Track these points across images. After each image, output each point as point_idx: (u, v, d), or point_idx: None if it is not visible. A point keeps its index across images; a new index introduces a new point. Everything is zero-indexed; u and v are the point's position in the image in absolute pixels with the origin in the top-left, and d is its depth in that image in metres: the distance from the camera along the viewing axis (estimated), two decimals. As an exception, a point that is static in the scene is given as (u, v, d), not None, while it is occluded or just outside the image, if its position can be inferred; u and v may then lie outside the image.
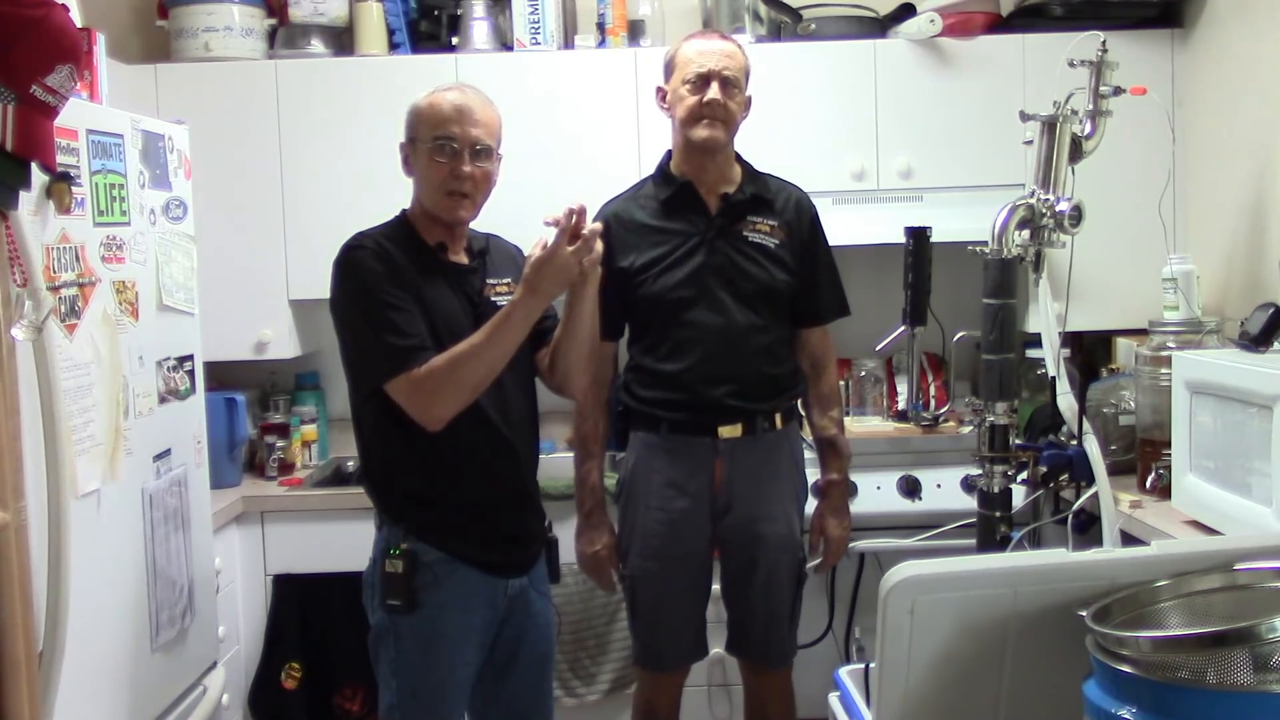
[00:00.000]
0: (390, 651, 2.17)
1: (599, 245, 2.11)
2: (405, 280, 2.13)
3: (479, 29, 3.35)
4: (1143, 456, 2.75)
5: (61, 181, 1.91)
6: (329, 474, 3.44)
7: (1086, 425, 2.46)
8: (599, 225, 2.13)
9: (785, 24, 3.40)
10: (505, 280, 2.28)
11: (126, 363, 2.25)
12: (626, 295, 2.48)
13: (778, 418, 2.56)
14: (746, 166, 2.60)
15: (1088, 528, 2.44)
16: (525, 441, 2.29)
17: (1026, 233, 2.43)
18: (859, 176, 3.24)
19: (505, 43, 3.36)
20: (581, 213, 2.08)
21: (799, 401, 2.68)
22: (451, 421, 2.10)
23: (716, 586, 2.62)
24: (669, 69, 2.54)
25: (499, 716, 2.33)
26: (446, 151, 2.15)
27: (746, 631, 2.60)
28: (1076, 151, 2.50)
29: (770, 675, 2.64)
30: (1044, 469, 2.45)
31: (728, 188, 2.55)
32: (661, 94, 2.56)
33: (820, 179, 3.05)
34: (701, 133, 2.46)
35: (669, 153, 2.60)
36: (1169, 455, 2.53)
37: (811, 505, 2.70)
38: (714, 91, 2.44)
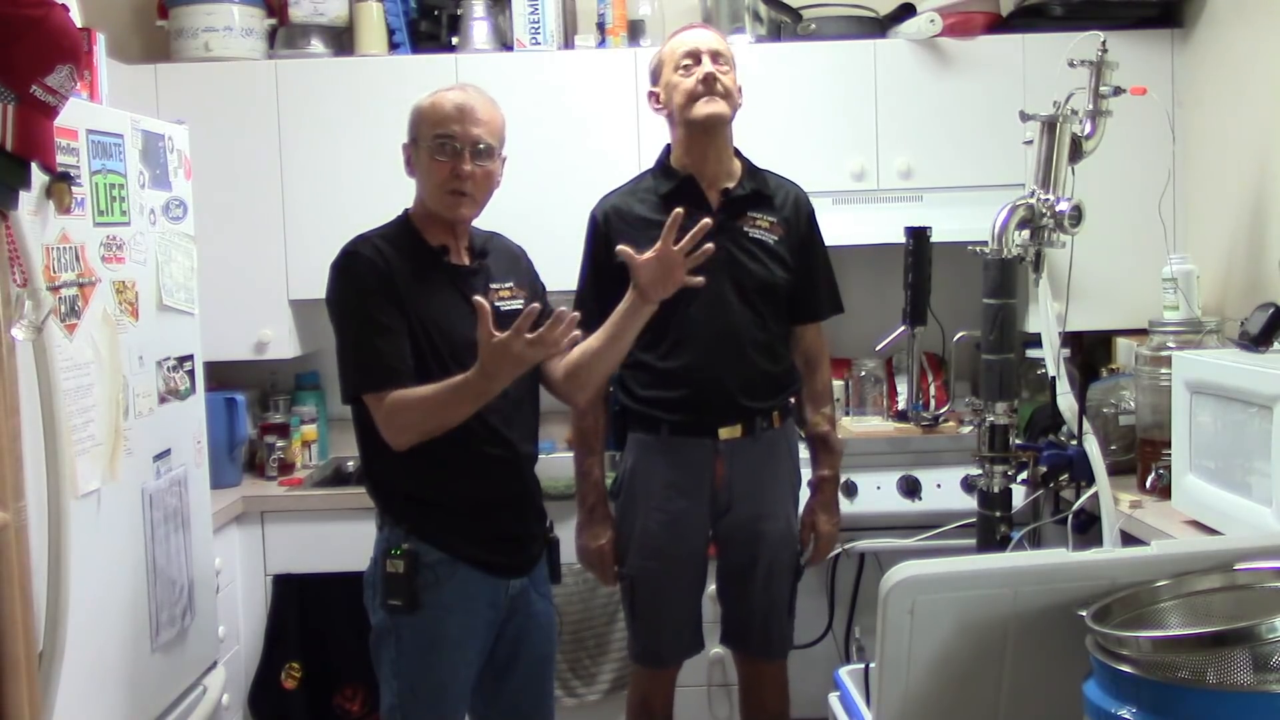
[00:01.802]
0: (391, 652, 2.17)
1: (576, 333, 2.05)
2: (398, 293, 2.13)
3: (479, 29, 3.35)
4: (1143, 456, 2.75)
5: (61, 181, 1.91)
6: (329, 474, 3.44)
7: (1086, 425, 2.46)
8: (577, 334, 2.05)
9: (785, 24, 3.41)
10: (508, 285, 2.28)
11: (126, 363, 2.25)
12: (625, 290, 2.47)
13: (775, 416, 2.56)
14: (746, 161, 2.59)
15: (1088, 528, 2.45)
16: (527, 443, 2.29)
17: (1026, 233, 2.43)
18: (859, 176, 3.24)
19: (505, 43, 3.36)
20: (566, 322, 1.99)
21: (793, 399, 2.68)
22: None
23: (712, 586, 2.63)
24: (657, 71, 2.54)
25: (500, 717, 2.33)
26: (447, 150, 2.15)
27: (746, 625, 2.60)
28: (1076, 151, 2.50)
29: (767, 667, 2.65)
30: (1044, 469, 2.45)
31: (728, 182, 2.54)
32: (654, 96, 2.55)
33: (820, 179, 3.06)
34: (704, 109, 2.44)
35: (668, 146, 2.59)
36: (1169, 455, 2.53)
37: (802, 502, 2.70)
38: (707, 64, 2.43)
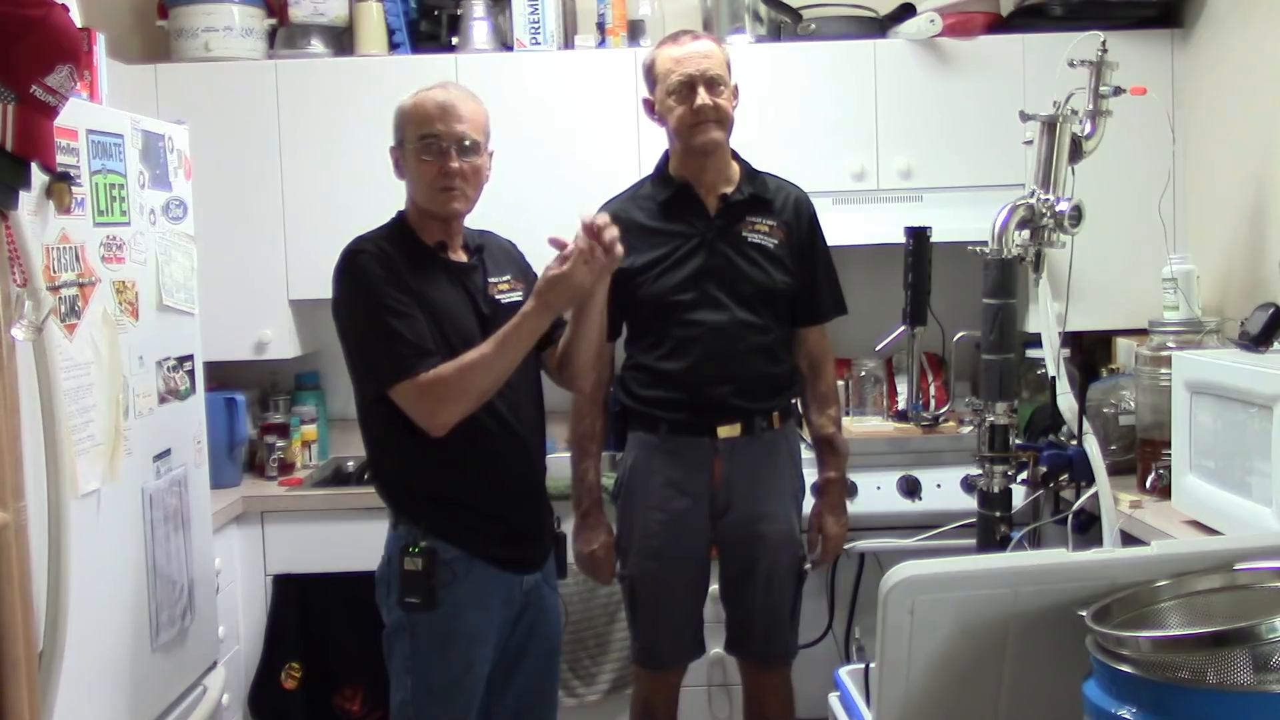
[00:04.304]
0: (405, 648, 2.18)
1: (619, 250, 2.11)
2: (408, 283, 2.14)
3: (479, 29, 3.35)
4: (1143, 456, 2.75)
5: (61, 181, 1.91)
6: (329, 474, 3.44)
7: (1086, 425, 2.45)
8: (616, 229, 2.12)
9: (785, 24, 3.41)
10: (506, 278, 2.29)
11: (126, 363, 2.25)
12: (625, 296, 2.48)
13: (775, 417, 2.56)
14: (744, 165, 2.60)
15: (1088, 528, 2.44)
16: (535, 438, 2.31)
17: (1026, 233, 2.42)
18: (859, 176, 3.24)
19: (505, 43, 3.36)
20: (594, 228, 2.08)
21: (797, 401, 2.68)
22: (466, 420, 2.11)
23: (714, 586, 2.63)
24: (650, 79, 2.54)
25: (507, 710, 2.33)
26: (434, 149, 2.16)
27: (747, 630, 2.60)
28: (1076, 151, 2.49)
29: (770, 674, 2.64)
30: (1044, 469, 2.44)
31: (726, 188, 2.54)
32: (649, 105, 2.56)
33: (820, 179, 3.05)
34: (700, 138, 2.46)
35: (667, 153, 2.60)
36: (1169, 455, 2.53)
37: (809, 504, 2.70)
38: (702, 96, 2.43)
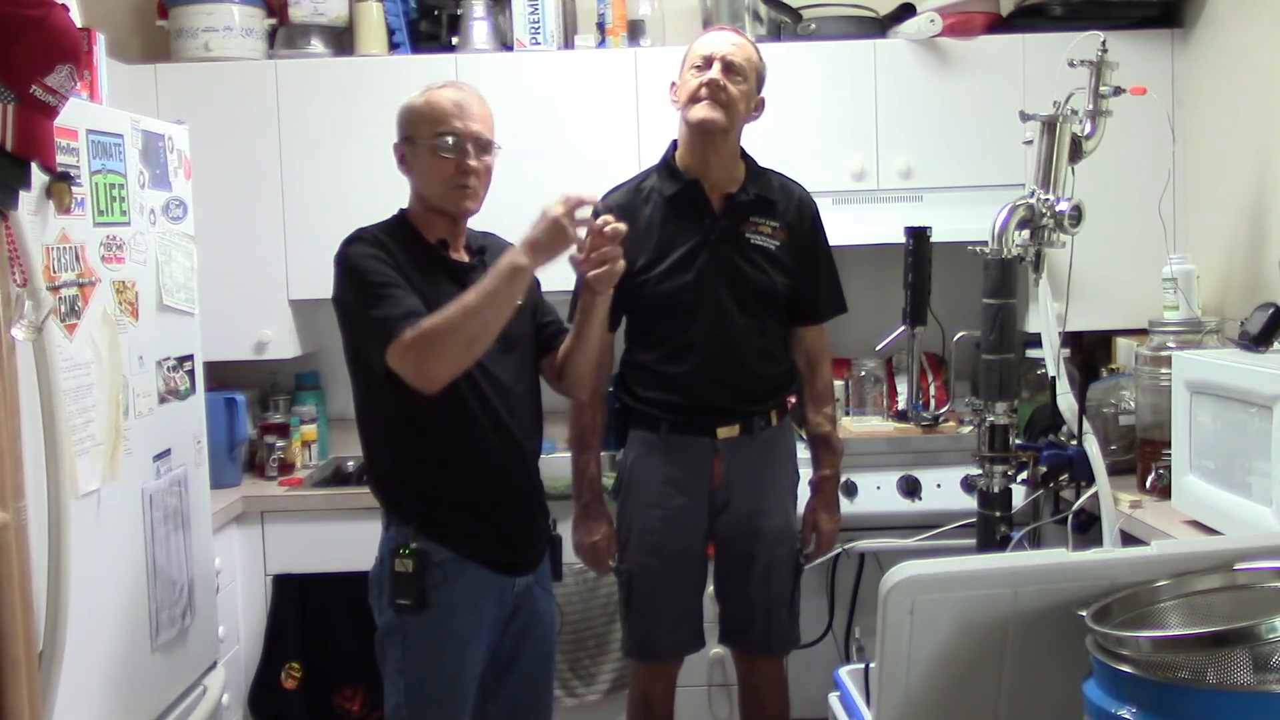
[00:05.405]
0: (398, 650, 2.18)
1: (621, 263, 2.12)
2: (402, 269, 2.14)
3: (479, 29, 3.35)
4: (1143, 456, 2.75)
5: (61, 181, 1.91)
6: (329, 474, 3.44)
7: (1086, 425, 2.46)
8: (622, 226, 2.12)
9: (785, 24, 3.40)
10: None
11: (126, 363, 2.25)
12: (628, 293, 2.47)
13: (773, 415, 2.57)
14: (750, 163, 2.59)
15: (1088, 528, 2.45)
16: (531, 440, 2.30)
17: (1026, 233, 2.43)
18: (859, 176, 3.25)
19: (505, 43, 3.36)
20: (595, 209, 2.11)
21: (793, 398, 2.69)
22: (460, 420, 2.12)
23: (711, 586, 2.63)
24: (682, 63, 2.54)
25: (501, 713, 2.33)
26: (453, 148, 2.17)
27: (746, 620, 2.60)
28: (1076, 151, 2.50)
29: (766, 666, 2.65)
30: (1044, 469, 2.45)
31: (732, 187, 2.54)
32: (674, 87, 2.56)
33: (820, 179, 3.05)
34: (699, 112, 2.44)
35: (674, 143, 2.59)
36: (1169, 455, 2.53)
37: (803, 501, 2.70)
38: (715, 71, 2.43)
